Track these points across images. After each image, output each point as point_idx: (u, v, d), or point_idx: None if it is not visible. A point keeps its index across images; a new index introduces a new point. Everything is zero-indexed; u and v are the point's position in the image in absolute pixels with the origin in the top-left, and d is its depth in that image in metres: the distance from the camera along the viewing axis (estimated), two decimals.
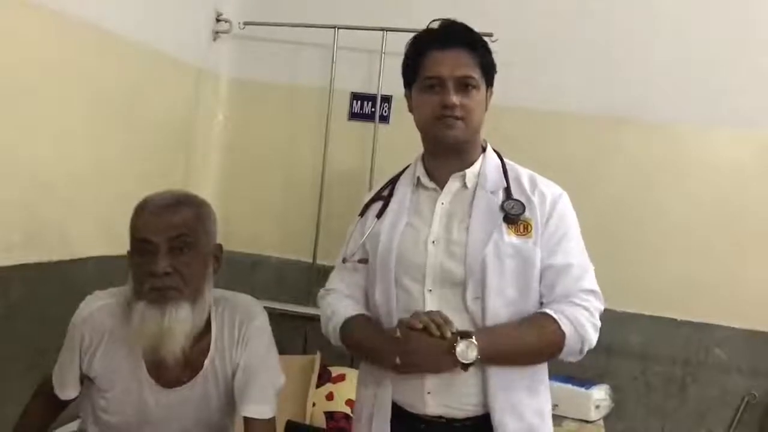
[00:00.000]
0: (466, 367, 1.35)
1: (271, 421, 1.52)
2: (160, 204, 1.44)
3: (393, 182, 1.63)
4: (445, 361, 1.35)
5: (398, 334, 1.37)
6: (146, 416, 1.49)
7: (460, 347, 1.33)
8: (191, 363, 1.48)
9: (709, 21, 2.56)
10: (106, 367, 1.49)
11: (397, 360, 1.35)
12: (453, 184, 1.53)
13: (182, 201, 1.46)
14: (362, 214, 1.63)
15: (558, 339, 1.40)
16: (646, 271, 2.60)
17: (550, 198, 1.50)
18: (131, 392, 1.48)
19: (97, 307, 1.50)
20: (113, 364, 1.48)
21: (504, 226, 1.45)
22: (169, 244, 1.39)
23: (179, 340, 1.40)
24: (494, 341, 1.38)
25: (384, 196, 1.61)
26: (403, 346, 1.36)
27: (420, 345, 1.34)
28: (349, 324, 1.53)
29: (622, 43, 2.63)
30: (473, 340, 1.34)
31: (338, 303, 1.58)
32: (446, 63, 1.45)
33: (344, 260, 1.60)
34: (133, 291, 1.44)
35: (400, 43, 1.56)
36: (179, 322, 1.39)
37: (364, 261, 1.56)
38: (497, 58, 1.53)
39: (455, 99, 1.43)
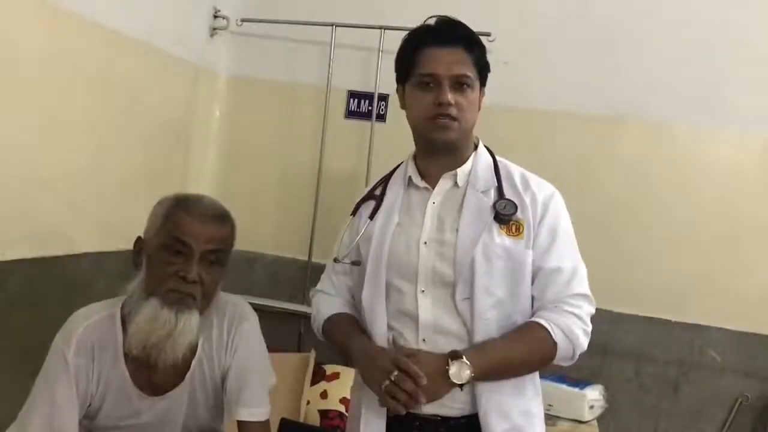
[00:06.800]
0: (462, 386, 1.36)
1: (267, 423, 1.53)
2: (207, 212, 1.44)
3: (385, 181, 1.62)
4: (440, 384, 1.35)
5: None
6: (138, 427, 1.47)
7: (453, 369, 1.34)
8: (177, 366, 1.44)
9: (708, 21, 2.56)
10: (101, 394, 1.44)
11: (392, 377, 1.34)
12: (444, 183, 1.52)
13: (224, 215, 1.47)
14: (354, 213, 1.62)
15: (549, 349, 1.40)
16: (642, 272, 2.60)
17: (542, 198, 1.48)
18: (120, 406, 1.45)
19: (81, 330, 1.43)
20: (101, 384, 1.44)
21: (495, 226, 1.44)
22: (204, 255, 1.40)
23: (182, 348, 1.38)
24: (486, 359, 1.37)
25: (376, 196, 1.60)
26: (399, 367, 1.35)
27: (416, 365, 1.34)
28: (330, 321, 1.55)
29: (622, 43, 2.62)
30: (464, 360, 1.34)
31: (324, 301, 1.60)
32: (443, 61, 1.43)
33: (336, 260, 1.59)
34: (144, 284, 1.41)
35: (397, 42, 1.55)
36: (189, 331, 1.38)
37: (356, 263, 1.55)
38: (495, 57, 1.53)
39: (450, 98, 1.42)
